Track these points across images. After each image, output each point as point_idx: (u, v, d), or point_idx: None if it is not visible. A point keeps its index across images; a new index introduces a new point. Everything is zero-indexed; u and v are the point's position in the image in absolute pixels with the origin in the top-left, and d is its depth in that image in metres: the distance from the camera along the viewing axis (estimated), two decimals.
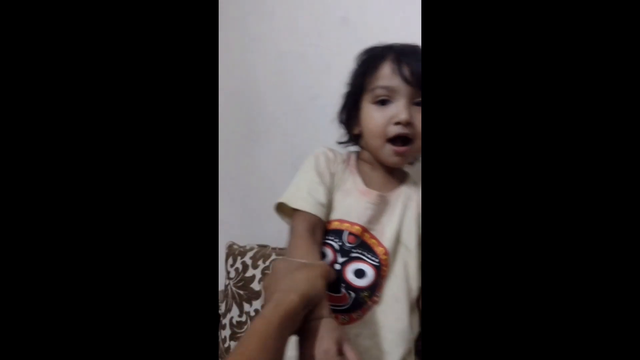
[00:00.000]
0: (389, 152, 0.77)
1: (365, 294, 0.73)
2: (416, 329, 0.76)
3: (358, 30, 1.11)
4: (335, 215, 0.77)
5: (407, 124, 0.73)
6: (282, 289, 0.56)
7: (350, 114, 0.83)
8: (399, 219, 0.78)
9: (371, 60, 0.79)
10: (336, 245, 0.75)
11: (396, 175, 0.84)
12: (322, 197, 0.75)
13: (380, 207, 0.78)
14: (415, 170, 0.88)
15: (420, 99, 0.75)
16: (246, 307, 1.02)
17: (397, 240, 0.77)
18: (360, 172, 0.82)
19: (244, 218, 1.11)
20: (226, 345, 1.01)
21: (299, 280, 0.57)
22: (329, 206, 0.77)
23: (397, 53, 0.75)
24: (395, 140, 0.75)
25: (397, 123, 0.73)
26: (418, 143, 0.76)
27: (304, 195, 0.75)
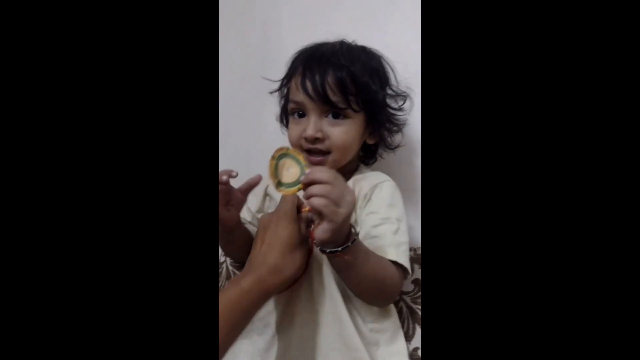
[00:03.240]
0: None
1: None
2: None
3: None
4: None
5: (314, 140, 0.70)
6: (270, 264, 0.56)
7: (286, 120, 0.83)
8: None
9: (288, 71, 0.78)
10: None
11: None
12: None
13: None
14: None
15: (337, 110, 0.71)
16: None
17: None
18: None
19: None
20: None
21: (289, 262, 0.58)
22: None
23: (303, 65, 0.72)
24: (310, 151, 0.73)
25: (306, 139, 0.71)
26: (336, 155, 0.72)
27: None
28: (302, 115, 0.72)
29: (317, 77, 0.68)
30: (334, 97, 0.68)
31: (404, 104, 0.79)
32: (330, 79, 0.68)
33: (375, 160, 0.86)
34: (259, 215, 0.80)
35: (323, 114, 0.70)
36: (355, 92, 0.69)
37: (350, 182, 0.76)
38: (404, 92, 0.79)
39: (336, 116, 0.70)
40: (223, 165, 1.29)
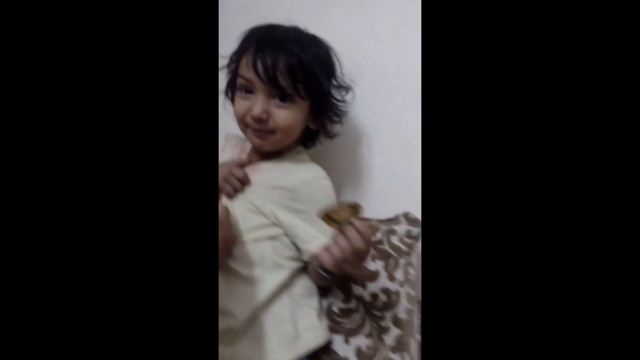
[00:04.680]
0: (250, 135, 0.79)
1: None
2: None
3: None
4: None
5: (260, 120, 0.74)
6: None
7: (232, 93, 0.85)
8: None
9: (239, 48, 0.79)
10: None
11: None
12: None
13: None
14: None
15: (284, 94, 0.74)
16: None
17: None
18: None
19: None
20: None
21: None
22: None
23: (256, 45, 0.74)
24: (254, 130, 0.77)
25: (252, 117, 0.75)
26: (279, 136, 0.77)
27: None
28: (249, 91, 0.75)
29: (269, 60, 0.71)
30: (283, 82, 0.71)
31: (346, 95, 0.85)
32: (281, 64, 0.71)
33: (315, 145, 0.91)
34: None
35: (271, 95, 0.74)
36: (304, 80, 0.73)
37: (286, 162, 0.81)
38: (348, 84, 0.84)
39: (283, 99, 0.74)
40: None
